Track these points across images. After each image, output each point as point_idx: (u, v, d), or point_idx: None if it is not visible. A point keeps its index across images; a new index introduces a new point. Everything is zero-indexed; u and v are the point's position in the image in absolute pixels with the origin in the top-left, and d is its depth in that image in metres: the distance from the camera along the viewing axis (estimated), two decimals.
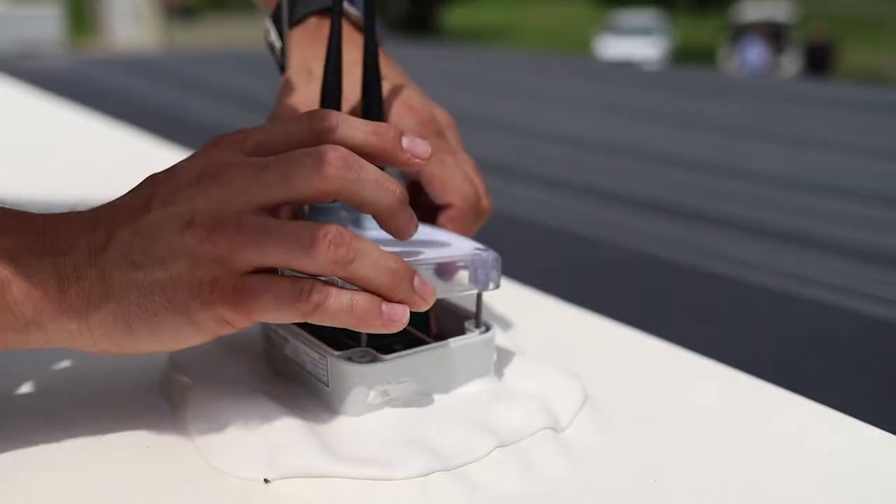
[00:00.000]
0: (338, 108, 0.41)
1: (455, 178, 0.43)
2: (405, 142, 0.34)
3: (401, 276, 0.32)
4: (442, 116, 0.45)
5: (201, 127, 1.69)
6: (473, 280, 0.37)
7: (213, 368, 0.40)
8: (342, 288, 0.32)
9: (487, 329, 0.38)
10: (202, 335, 0.32)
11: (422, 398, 0.36)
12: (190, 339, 0.32)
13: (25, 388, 0.38)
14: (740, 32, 14.05)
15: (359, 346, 0.36)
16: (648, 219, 1.09)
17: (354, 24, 0.47)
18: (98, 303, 0.31)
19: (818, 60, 11.76)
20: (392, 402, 0.36)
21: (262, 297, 0.31)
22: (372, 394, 0.35)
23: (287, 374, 0.38)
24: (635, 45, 13.68)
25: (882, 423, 0.38)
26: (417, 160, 0.34)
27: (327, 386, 0.36)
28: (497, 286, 0.38)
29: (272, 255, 0.31)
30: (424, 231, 0.40)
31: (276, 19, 0.49)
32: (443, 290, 0.36)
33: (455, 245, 0.38)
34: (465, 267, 0.37)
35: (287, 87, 0.45)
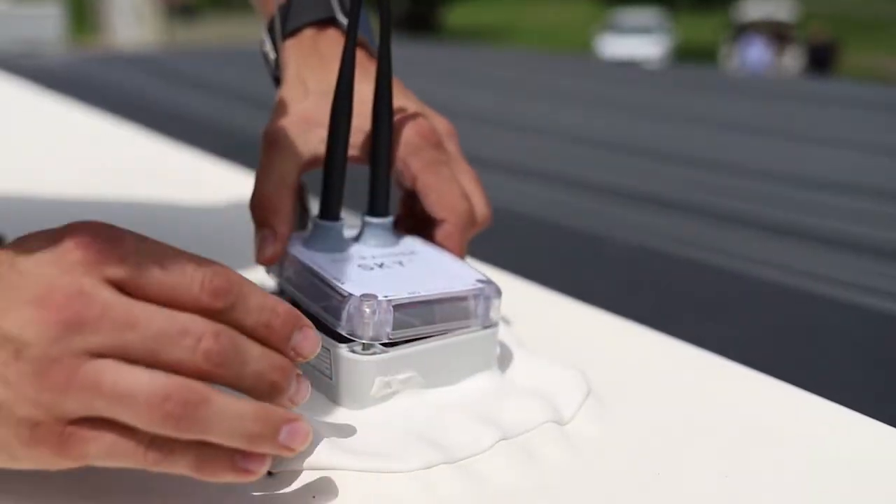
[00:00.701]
0: (348, 126, 0.41)
1: (449, 194, 0.42)
2: (296, 338, 0.30)
3: (263, 437, 0.28)
4: (441, 125, 0.45)
5: (202, 123, 1.69)
6: (474, 314, 0.37)
7: None
8: (185, 441, 0.27)
9: (492, 323, 0.38)
10: (31, 466, 0.28)
11: (425, 391, 0.36)
12: (17, 467, 0.28)
13: None
14: (741, 31, 14.05)
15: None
16: (651, 214, 1.10)
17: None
18: None
19: (821, 60, 11.75)
20: (396, 395, 0.36)
21: (93, 446, 0.27)
22: (376, 386, 0.35)
23: None
24: (636, 44, 13.67)
25: (887, 417, 0.38)
26: (299, 358, 0.30)
27: (331, 379, 0.36)
28: (497, 321, 0.38)
29: (103, 413, 0.26)
30: (426, 256, 0.40)
31: (272, 30, 0.48)
32: (442, 326, 0.36)
33: (457, 276, 0.38)
34: (465, 301, 0.37)
35: (282, 104, 0.45)
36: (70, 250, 0.27)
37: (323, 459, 0.32)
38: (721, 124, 2.02)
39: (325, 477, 0.31)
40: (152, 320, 0.27)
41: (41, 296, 0.27)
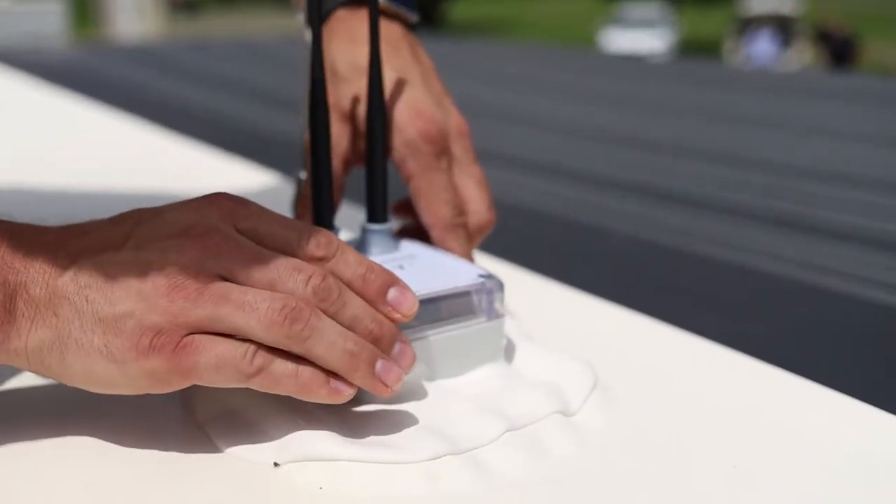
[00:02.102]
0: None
1: (434, 201, 0.42)
2: (392, 293, 0.33)
3: (360, 359, 0.31)
4: (454, 122, 0.45)
5: (206, 117, 1.69)
6: (479, 309, 0.37)
7: None
8: (288, 355, 0.31)
9: (498, 315, 0.38)
10: (132, 388, 0.30)
11: (432, 383, 0.36)
12: (120, 389, 0.31)
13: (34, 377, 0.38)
14: (746, 25, 14.00)
15: None
16: (658, 207, 1.09)
17: (383, 12, 0.45)
18: (40, 327, 0.30)
19: (841, 55, 11.65)
20: (403, 387, 0.35)
21: (204, 355, 0.30)
22: None
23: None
24: (640, 37, 13.62)
25: (890, 406, 0.38)
26: (397, 315, 0.33)
27: None
28: (503, 313, 0.38)
29: (226, 320, 0.30)
30: (427, 258, 0.40)
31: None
32: (446, 322, 0.36)
33: (458, 273, 0.38)
34: (468, 296, 0.37)
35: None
36: (206, 205, 0.33)
37: (330, 450, 0.31)
38: (726, 118, 2.01)
39: (332, 468, 0.31)
40: (274, 257, 0.32)
41: (183, 229, 0.31)
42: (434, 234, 0.43)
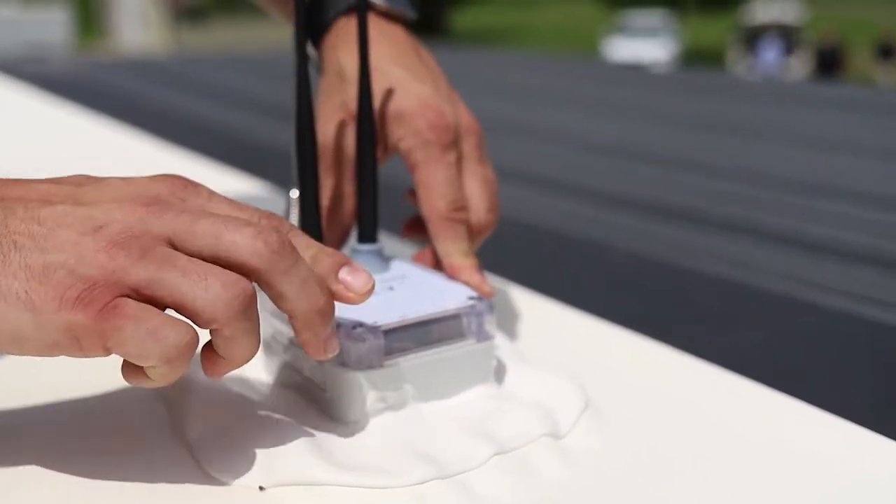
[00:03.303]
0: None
1: (433, 194, 0.42)
2: (343, 272, 0.32)
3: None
4: (465, 119, 0.44)
5: (210, 130, 1.69)
6: (469, 332, 0.37)
7: None
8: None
9: (487, 336, 0.38)
10: (40, 345, 0.28)
11: (420, 405, 0.36)
12: (26, 346, 0.28)
13: (18, 391, 0.38)
14: (751, 34, 14.03)
15: None
16: (656, 222, 1.08)
17: (386, 15, 0.46)
18: None
19: (828, 63, 11.70)
20: (390, 409, 0.35)
21: (134, 324, 0.27)
22: (370, 401, 0.35)
23: (286, 379, 0.38)
24: (643, 46, 13.65)
25: (885, 428, 0.37)
26: (349, 294, 0.32)
27: (325, 392, 0.35)
28: (493, 335, 0.37)
29: (168, 286, 0.28)
30: (417, 278, 0.40)
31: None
32: (436, 344, 0.36)
33: (448, 295, 0.38)
34: (458, 318, 0.36)
35: (322, 96, 0.45)
36: (157, 180, 0.32)
37: (316, 475, 0.31)
38: (726, 129, 2.02)
39: (318, 492, 0.31)
40: (225, 218, 0.30)
41: (130, 195, 0.30)
42: (429, 226, 0.42)
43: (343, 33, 0.45)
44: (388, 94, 0.43)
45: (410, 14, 0.47)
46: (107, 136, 1.10)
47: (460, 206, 0.43)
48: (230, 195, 0.33)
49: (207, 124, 1.84)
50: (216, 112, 2.00)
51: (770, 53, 12.01)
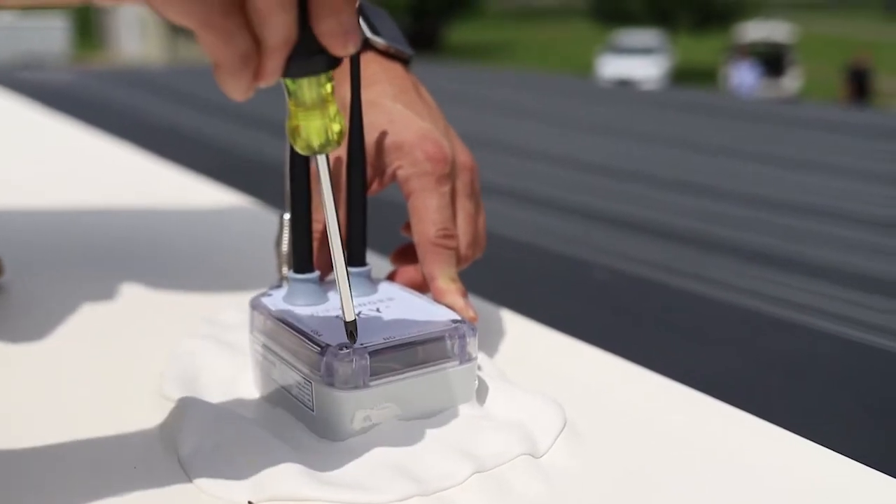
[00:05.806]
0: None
1: (424, 220, 0.44)
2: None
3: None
4: (462, 156, 0.46)
5: (204, 143, 1.70)
6: (452, 353, 0.38)
7: (202, 391, 0.41)
8: None
9: (470, 358, 0.39)
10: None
11: (404, 423, 0.37)
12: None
13: (13, 403, 0.39)
14: (741, 52, 14.17)
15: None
16: (641, 240, 1.10)
17: (384, 53, 0.48)
18: None
19: (861, 86, 11.67)
20: (375, 428, 0.37)
21: None
22: (356, 420, 0.36)
23: (275, 398, 0.39)
24: (636, 64, 13.76)
25: (859, 454, 0.39)
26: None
27: (313, 411, 0.37)
28: (475, 356, 0.39)
29: None
30: (403, 301, 0.41)
31: None
32: (420, 365, 0.37)
33: (433, 317, 0.39)
34: (442, 340, 0.38)
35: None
36: None
37: (301, 491, 0.32)
38: (712, 148, 2.04)
39: None
40: None
41: None
42: (418, 250, 0.44)
43: (341, 68, 0.47)
44: (389, 127, 0.45)
45: (409, 52, 0.49)
46: (102, 148, 1.11)
47: (449, 234, 0.44)
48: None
49: (203, 138, 1.85)
50: (211, 125, 2.02)
51: (744, 74, 12.08)
